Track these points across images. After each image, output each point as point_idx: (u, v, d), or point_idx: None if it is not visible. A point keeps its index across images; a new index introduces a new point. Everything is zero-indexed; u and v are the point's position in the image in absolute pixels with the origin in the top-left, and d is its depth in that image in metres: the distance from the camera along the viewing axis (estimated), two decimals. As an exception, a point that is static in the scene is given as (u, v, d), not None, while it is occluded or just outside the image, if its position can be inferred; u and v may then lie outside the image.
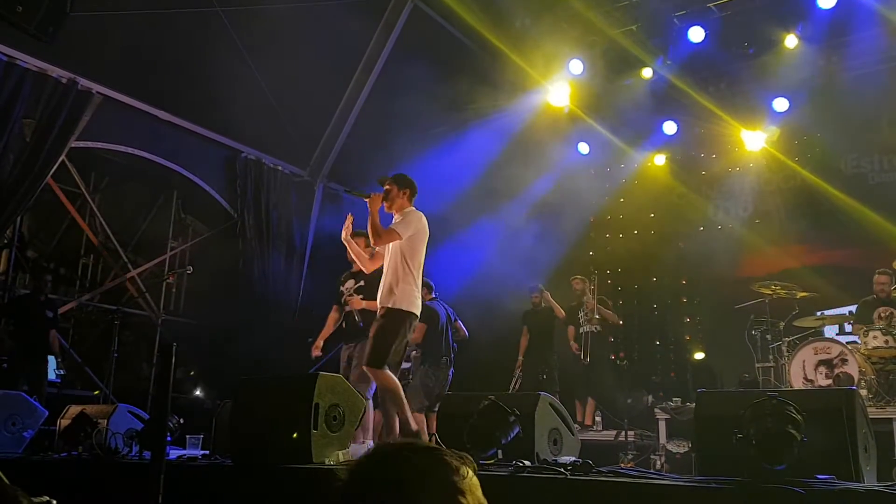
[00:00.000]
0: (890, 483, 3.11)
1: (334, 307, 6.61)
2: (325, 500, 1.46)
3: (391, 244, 5.30)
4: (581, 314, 9.04)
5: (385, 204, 5.37)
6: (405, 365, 8.14)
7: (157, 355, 9.01)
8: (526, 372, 9.12)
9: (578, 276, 9.33)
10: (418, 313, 5.35)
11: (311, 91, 9.35)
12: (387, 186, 5.43)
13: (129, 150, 8.26)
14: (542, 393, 4.52)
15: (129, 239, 10.12)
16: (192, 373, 9.48)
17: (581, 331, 8.96)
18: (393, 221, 5.39)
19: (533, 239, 9.95)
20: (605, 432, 8.45)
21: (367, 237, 5.43)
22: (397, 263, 5.27)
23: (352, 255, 5.75)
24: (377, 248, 5.51)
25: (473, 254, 9.76)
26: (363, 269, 5.68)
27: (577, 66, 9.59)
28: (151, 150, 8.43)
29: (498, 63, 9.30)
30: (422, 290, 8.00)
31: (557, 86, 9.48)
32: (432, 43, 9.35)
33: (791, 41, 8.81)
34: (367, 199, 5.34)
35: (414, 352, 8.36)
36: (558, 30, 9.38)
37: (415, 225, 5.32)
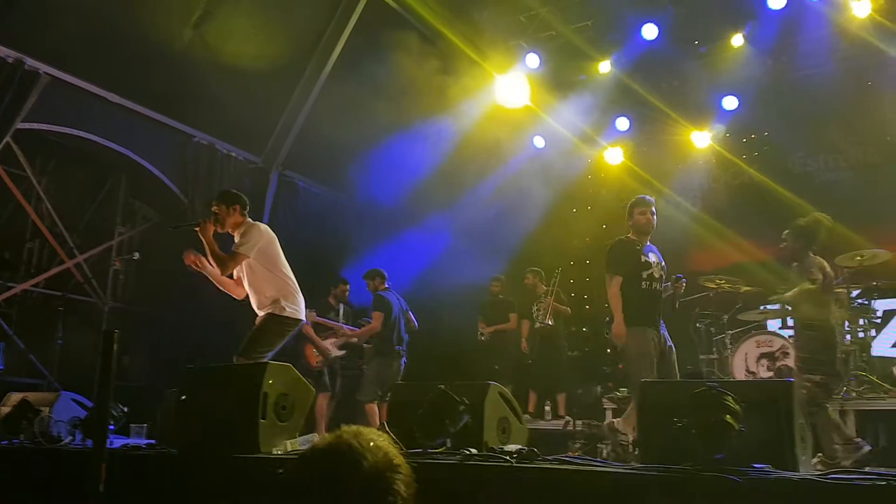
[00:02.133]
0: (822, 472, 3.22)
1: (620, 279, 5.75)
2: (270, 488, 1.46)
3: (244, 265, 5.27)
4: (535, 309, 9.12)
5: (217, 227, 5.31)
6: (339, 353, 8.16)
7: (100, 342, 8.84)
8: (479, 362, 9.21)
9: (532, 270, 9.39)
10: (302, 318, 5.41)
11: (267, 76, 9.24)
12: (214, 209, 5.38)
13: (78, 132, 8.06)
14: (492, 382, 4.56)
15: (76, 223, 9.89)
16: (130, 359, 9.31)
17: (536, 325, 9.05)
18: (235, 242, 5.31)
19: (489, 231, 10.02)
20: (554, 422, 8.58)
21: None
22: (266, 278, 5.27)
23: (217, 283, 5.40)
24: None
25: (429, 245, 9.78)
26: (234, 295, 5.43)
27: (533, 60, 9.67)
28: (100, 134, 8.24)
29: (456, 55, 9.31)
30: (376, 280, 8.06)
31: (514, 79, 9.52)
32: (391, 32, 9.31)
33: (738, 40, 9.03)
34: (197, 230, 5.28)
35: (366, 343, 8.37)
36: (515, 23, 9.45)
37: (256, 239, 5.26)
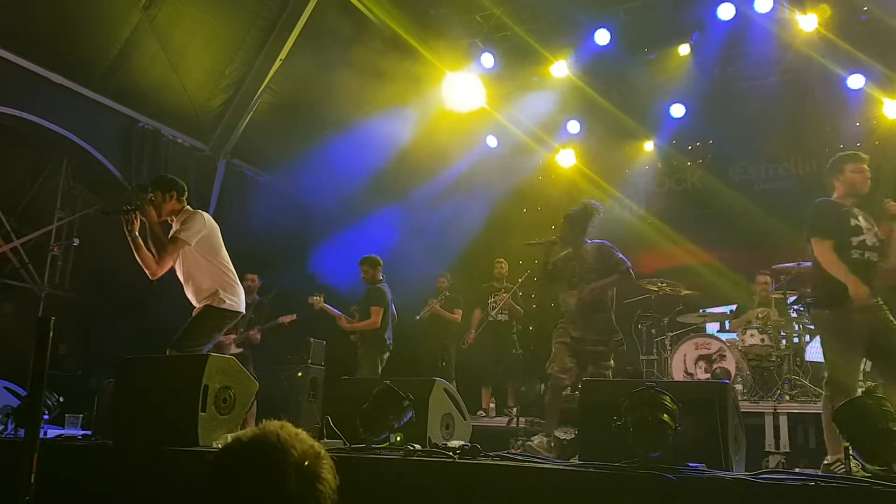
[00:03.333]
0: (754, 472, 3.32)
1: None
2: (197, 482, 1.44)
3: (183, 253, 5.03)
4: (491, 301, 9.16)
5: (153, 213, 5.03)
6: (236, 350, 8.03)
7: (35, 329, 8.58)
8: (425, 359, 9.22)
9: (503, 260, 9.43)
10: (241, 311, 5.22)
11: (217, 62, 9.08)
12: (150, 196, 5.10)
13: (18, 112, 7.79)
14: (437, 379, 4.59)
15: (14, 207, 9.57)
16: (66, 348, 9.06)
17: (490, 318, 9.09)
18: (174, 229, 5.08)
19: (438, 227, 10.04)
20: (497, 419, 8.64)
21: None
22: (204, 268, 5.06)
23: (136, 253, 5.07)
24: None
25: (379, 240, 9.75)
26: (148, 271, 5.09)
27: (488, 60, 9.73)
28: (41, 115, 7.98)
29: (411, 51, 9.30)
30: (376, 270, 7.94)
31: (467, 80, 9.55)
32: (346, 25, 9.25)
33: (685, 49, 9.24)
34: (131, 215, 4.97)
35: (353, 335, 8.22)
36: (471, 22, 9.48)
37: (198, 227, 5.03)
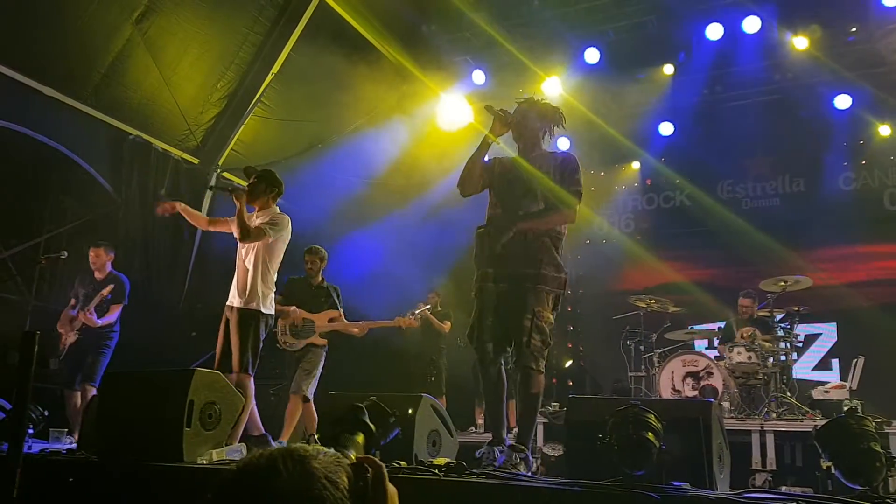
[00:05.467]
0: (737, 491, 3.33)
1: None
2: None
3: (255, 248, 5.29)
4: None
5: (247, 197, 5.32)
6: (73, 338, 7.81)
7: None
8: (415, 374, 9.20)
9: None
10: (273, 313, 5.43)
11: (209, 75, 9.10)
12: (254, 180, 5.40)
13: (7, 124, 7.78)
14: (425, 395, 4.58)
15: (2, 218, 9.52)
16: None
17: None
18: (261, 220, 5.34)
19: (430, 242, 10.04)
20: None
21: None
22: (259, 264, 5.27)
23: (189, 218, 5.88)
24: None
25: (369, 253, 9.75)
26: (198, 225, 5.86)
27: (479, 77, 9.79)
28: (31, 127, 7.97)
29: (402, 66, 9.35)
30: None
31: (456, 99, 9.60)
32: (339, 40, 9.29)
33: (669, 69, 9.34)
34: (230, 195, 5.33)
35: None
36: (461, 39, 9.54)
37: (283, 229, 5.34)
